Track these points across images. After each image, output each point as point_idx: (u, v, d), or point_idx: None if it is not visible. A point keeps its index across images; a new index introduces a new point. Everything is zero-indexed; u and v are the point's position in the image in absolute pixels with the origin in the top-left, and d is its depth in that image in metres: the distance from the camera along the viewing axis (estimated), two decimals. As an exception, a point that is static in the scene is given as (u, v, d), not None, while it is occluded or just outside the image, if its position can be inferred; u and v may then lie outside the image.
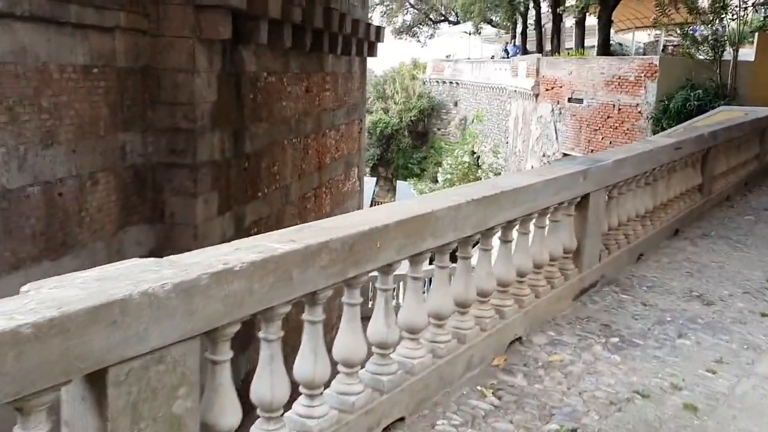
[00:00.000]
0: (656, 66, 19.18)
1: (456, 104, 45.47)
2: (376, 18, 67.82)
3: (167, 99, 9.32)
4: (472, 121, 41.65)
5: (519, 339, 4.52)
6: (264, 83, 11.66)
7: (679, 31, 18.81)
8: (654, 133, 18.42)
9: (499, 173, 31.61)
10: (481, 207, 3.84)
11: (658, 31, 33.25)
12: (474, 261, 4.05)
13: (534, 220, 4.70)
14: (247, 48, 10.82)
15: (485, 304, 4.21)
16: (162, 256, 2.54)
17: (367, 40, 17.68)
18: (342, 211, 17.90)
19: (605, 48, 27.61)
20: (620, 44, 45.48)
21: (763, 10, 26.17)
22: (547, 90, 25.21)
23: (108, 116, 8.54)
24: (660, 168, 6.81)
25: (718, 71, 17.97)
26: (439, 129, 46.73)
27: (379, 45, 19.04)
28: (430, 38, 68.81)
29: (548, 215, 4.80)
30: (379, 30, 18.49)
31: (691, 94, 18.01)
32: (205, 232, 9.88)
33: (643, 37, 45.42)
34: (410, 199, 3.81)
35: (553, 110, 24.54)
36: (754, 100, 17.92)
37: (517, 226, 4.43)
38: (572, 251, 5.18)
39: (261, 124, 11.61)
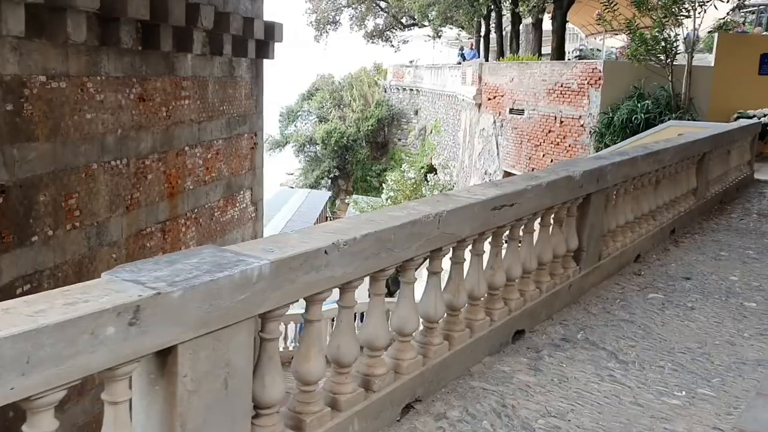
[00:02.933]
0: (600, 72, 16.37)
1: (416, 113, 42.63)
2: (344, 21, 65.38)
3: None
4: (431, 132, 38.84)
5: None
6: (40, 90, 8.73)
7: (626, 30, 15.93)
8: (597, 150, 15.68)
9: (450, 189, 28.70)
10: None
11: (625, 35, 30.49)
12: None
13: None
14: (-6, 42, 7.91)
15: None
16: None
17: (252, 39, 14.79)
18: (222, 244, 14.99)
19: (560, 52, 24.85)
20: (593, 49, 42.83)
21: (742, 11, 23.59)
22: (489, 99, 22.38)
23: None
24: (465, 241, 3.92)
25: (670, 78, 15.16)
26: (399, 139, 43.90)
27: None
28: (403, 43, 66.36)
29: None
30: (271, 27, 15.58)
31: (639, 105, 15.19)
32: None
33: (617, 42, 42.71)
34: None
35: (494, 122, 21.72)
36: (713, 111, 15.21)
37: None
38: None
39: (34, 144, 8.68)
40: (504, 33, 36.12)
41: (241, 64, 15.13)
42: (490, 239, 4.38)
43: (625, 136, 14.98)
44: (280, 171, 54.98)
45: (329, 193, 41.74)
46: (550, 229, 5.07)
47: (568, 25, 40.83)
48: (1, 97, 8.06)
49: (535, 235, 4.96)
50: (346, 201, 43.56)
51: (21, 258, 8.55)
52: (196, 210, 13.39)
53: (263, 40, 15.53)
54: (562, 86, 17.64)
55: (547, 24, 30.58)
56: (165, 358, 2.36)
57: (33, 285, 8.77)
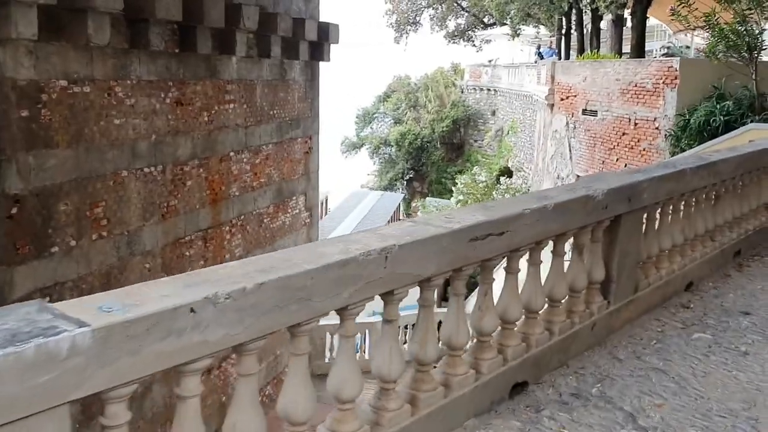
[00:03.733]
0: (676, 70, 15.11)
1: (494, 113, 41.53)
2: (425, 22, 64.58)
3: None
4: (507, 133, 37.72)
5: None
6: (60, 95, 8.43)
7: (705, 26, 14.57)
8: (673, 155, 14.48)
9: (524, 193, 27.56)
10: None
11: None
12: None
13: None
14: (4, 45, 7.61)
15: None
16: None
17: (305, 40, 14.31)
18: (272, 250, 14.56)
19: (639, 50, 23.43)
20: (682, 47, 40.72)
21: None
22: (561, 99, 21.25)
23: None
24: (431, 280, 3.20)
25: (754, 77, 13.80)
26: (475, 140, 42.89)
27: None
28: (486, 43, 65.13)
29: None
30: (326, 28, 15.06)
31: (717, 106, 13.91)
32: None
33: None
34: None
35: (567, 123, 20.59)
36: (805, 113, 13.75)
37: None
38: None
39: (54, 151, 8.38)
40: (585, 30, 34.63)
41: (293, 67, 14.68)
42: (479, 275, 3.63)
43: (703, 140, 13.74)
44: (360, 172, 54.82)
45: (402, 195, 41.12)
46: (566, 258, 4.26)
47: (656, 22, 38.90)
48: (14, 103, 7.78)
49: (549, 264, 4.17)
50: (414, 204, 42.81)
51: (38, 270, 8.27)
52: (242, 217, 13.01)
53: (317, 42, 15.05)
54: (636, 86, 16.44)
55: (629, 21, 29.03)
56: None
57: (53, 298, 8.47)
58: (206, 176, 11.71)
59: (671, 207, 5.47)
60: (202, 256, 11.77)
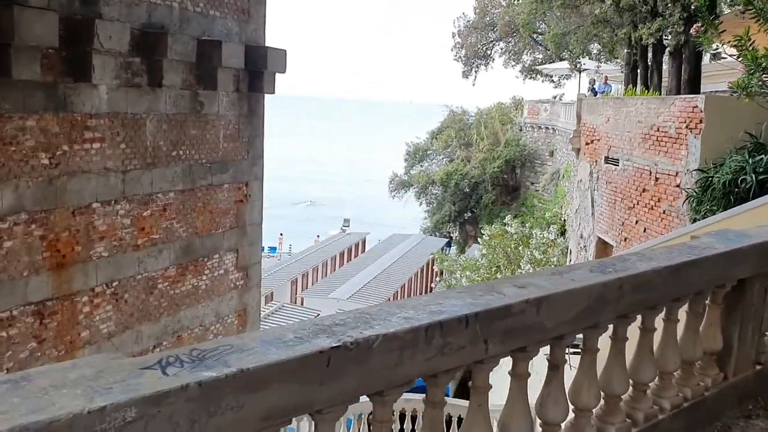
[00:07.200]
0: (701, 111, 11.62)
1: (552, 154, 37.93)
2: (497, 56, 61.44)
3: None
4: (562, 176, 34.09)
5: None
6: None
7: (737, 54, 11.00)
8: (693, 221, 11.04)
9: (551, 258, 23.85)
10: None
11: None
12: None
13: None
14: None
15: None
16: None
17: (226, 67, 11.71)
18: (177, 324, 11.86)
19: (693, 86, 19.74)
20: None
21: None
22: (587, 144, 17.83)
23: None
24: None
25: (801, 123, 10.20)
26: (532, 183, 39.29)
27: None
28: (565, 78, 61.66)
29: None
30: (262, 53, 12.43)
31: (750, 161, 10.38)
32: None
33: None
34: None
35: (591, 172, 17.17)
36: None
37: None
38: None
39: None
40: (647, 64, 30.80)
41: (216, 99, 12.08)
42: None
43: (728, 205, 10.24)
44: (416, 213, 51.99)
45: (446, 240, 37.87)
46: None
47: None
48: None
49: None
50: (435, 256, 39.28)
51: None
52: (115, 283, 10.39)
53: (254, 71, 12.46)
54: (658, 130, 12.98)
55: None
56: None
57: None
58: (43, 234, 9.18)
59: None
60: (34, 336, 9.19)
